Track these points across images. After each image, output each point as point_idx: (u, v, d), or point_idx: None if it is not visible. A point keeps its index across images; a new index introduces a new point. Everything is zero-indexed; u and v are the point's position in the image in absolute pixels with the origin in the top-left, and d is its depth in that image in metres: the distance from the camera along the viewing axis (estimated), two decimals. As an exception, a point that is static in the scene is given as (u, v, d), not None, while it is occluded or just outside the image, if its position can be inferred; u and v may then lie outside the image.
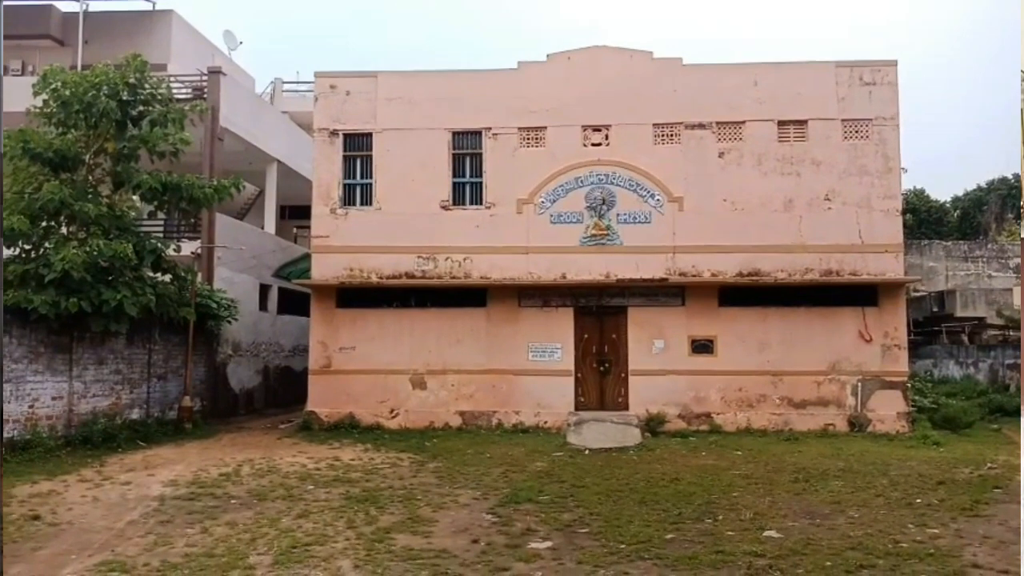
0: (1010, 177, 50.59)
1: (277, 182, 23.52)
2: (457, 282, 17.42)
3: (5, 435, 12.77)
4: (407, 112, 17.97)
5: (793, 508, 9.12)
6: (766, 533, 7.90)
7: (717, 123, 17.67)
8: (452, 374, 17.35)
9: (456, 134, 17.96)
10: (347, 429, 16.55)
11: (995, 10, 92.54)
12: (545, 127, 17.81)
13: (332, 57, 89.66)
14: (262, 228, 23.08)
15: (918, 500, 9.41)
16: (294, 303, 22.88)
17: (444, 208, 17.74)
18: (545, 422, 16.85)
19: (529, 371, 17.26)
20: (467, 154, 17.98)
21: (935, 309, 34.58)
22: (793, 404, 16.93)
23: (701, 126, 17.66)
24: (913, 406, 17.20)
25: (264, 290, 22.10)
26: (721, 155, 17.60)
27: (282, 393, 22.21)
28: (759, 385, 17.02)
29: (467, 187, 17.95)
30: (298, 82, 30.78)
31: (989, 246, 42.63)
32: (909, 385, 17.41)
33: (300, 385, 19.17)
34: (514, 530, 8.20)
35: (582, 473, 11.61)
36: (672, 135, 17.70)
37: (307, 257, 19.03)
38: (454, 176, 17.91)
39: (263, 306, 22.13)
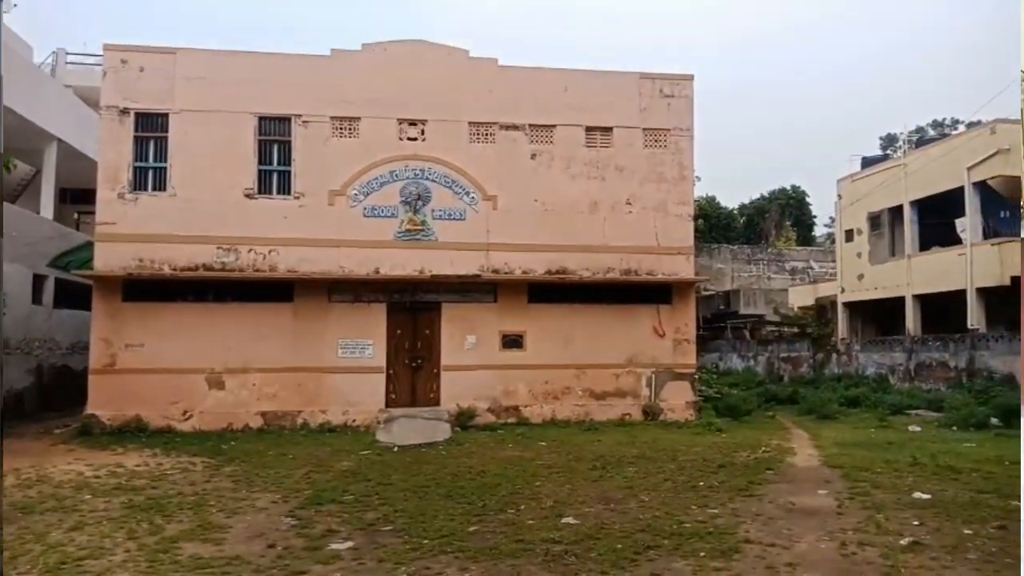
0: (788, 188, 56.12)
1: (57, 162, 21.20)
2: (261, 275, 16.59)
3: None
4: (209, 93, 16.86)
5: (590, 495, 9.50)
6: (564, 520, 8.16)
7: (530, 125, 18.12)
8: (254, 372, 16.50)
9: (263, 119, 17.10)
10: (133, 433, 15.24)
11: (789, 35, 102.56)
12: (359, 118, 17.41)
13: (150, 31, 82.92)
14: (37, 212, 20.73)
15: (701, 483, 10.14)
16: (74, 296, 20.71)
17: (248, 196, 16.83)
18: (354, 421, 16.48)
19: (338, 368, 16.80)
20: (275, 141, 17.18)
21: (722, 307, 37.72)
22: (594, 395, 17.75)
23: (515, 127, 18.03)
24: (700, 396, 18.64)
25: (39, 281, 19.82)
26: (533, 156, 18.08)
27: (59, 395, 20.05)
28: (564, 378, 17.69)
29: (274, 175, 17.15)
30: (85, 55, 27.98)
31: (769, 250, 47.19)
32: (697, 376, 18.85)
33: (80, 386, 17.40)
34: (314, 532, 7.90)
35: (389, 471, 11.44)
36: (487, 134, 17.94)
37: (90, 245, 17.30)
38: (260, 163, 17.04)
39: (37, 299, 19.85)
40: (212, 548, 7.30)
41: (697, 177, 37.12)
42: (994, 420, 16.18)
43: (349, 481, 10.64)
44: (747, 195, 64.27)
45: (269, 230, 16.72)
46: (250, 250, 16.67)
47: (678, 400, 18.05)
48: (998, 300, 23.23)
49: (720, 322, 38.13)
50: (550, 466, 11.64)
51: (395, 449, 13.73)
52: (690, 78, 18.90)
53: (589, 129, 18.34)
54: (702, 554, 6.75)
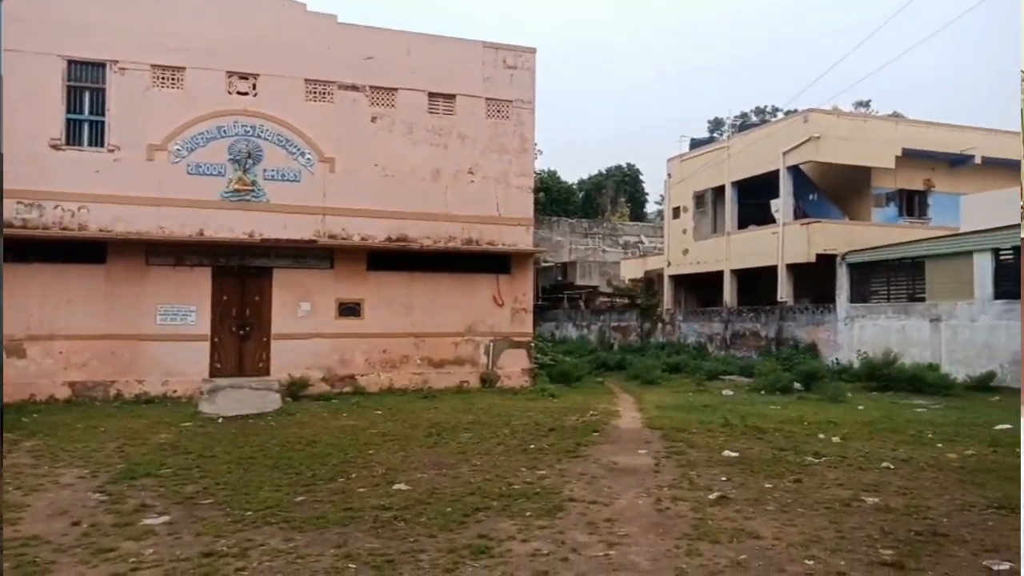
0: (624, 166, 58.45)
1: None
2: (69, 234, 15.15)
3: None
4: (10, 31, 15.01)
5: (424, 461, 9.49)
6: (396, 487, 8.09)
7: (371, 87, 17.62)
8: (61, 340, 15.12)
9: (73, 63, 15.52)
10: (-86, 407, 13.54)
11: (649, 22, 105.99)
12: (184, 68, 16.20)
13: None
14: None
15: (532, 446, 10.40)
16: None
17: (55, 148, 15.27)
18: (175, 391, 15.53)
19: (158, 336, 15.73)
20: (86, 88, 15.66)
21: (560, 278, 38.88)
22: (433, 364, 17.77)
23: (355, 88, 17.47)
24: (536, 363, 19.15)
25: None
26: (374, 119, 17.62)
27: None
28: (403, 347, 17.56)
29: (85, 125, 15.66)
30: None
31: (605, 225, 49.09)
32: (533, 345, 19.33)
33: None
34: (125, 508, 7.34)
35: (212, 442, 10.86)
36: (325, 93, 17.27)
37: None
38: (69, 111, 15.49)
39: None
40: (6, 529, 6.61)
41: (539, 150, 37.59)
42: (797, 385, 17.75)
43: (167, 454, 10.00)
44: (586, 171, 66.31)
45: (79, 185, 15.27)
46: (56, 206, 15.17)
47: (515, 367, 18.43)
48: (805, 275, 25.47)
49: (558, 292, 39.33)
50: (384, 434, 11.51)
51: (219, 420, 13.06)
52: (533, 51, 19.09)
53: (432, 95, 18.11)
54: (528, 514, 6.91)
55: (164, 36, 15.98)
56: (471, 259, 18.28)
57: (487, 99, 18.56)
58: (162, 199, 15.78)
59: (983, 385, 17.54)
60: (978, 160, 26.86)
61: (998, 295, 18.55)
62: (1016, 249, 18.46)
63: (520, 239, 18.72)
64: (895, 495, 7.48)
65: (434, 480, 8.43)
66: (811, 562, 5.50)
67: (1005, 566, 5.33)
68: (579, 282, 38.27)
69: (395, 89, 17.80)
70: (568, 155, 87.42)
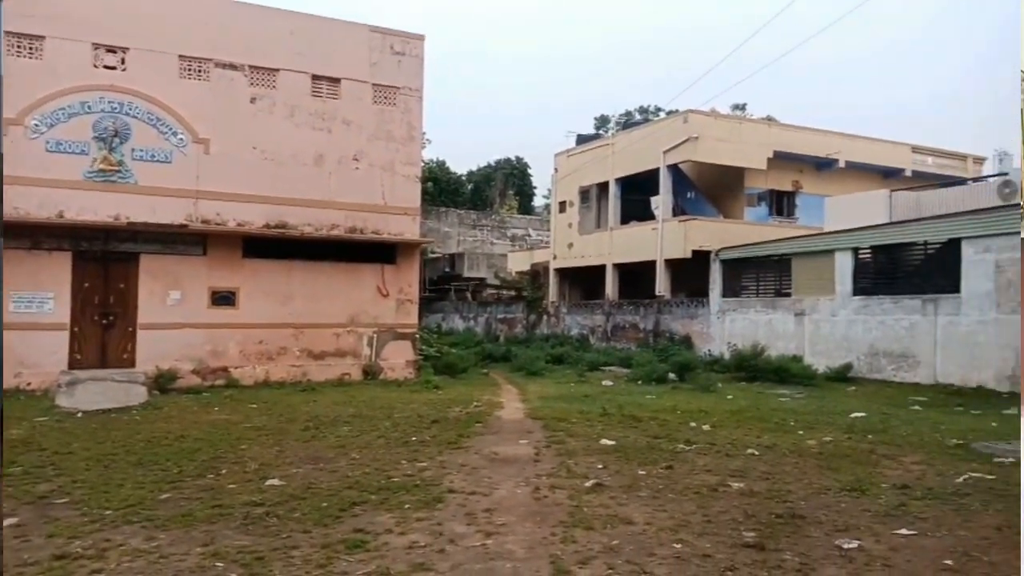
0: (513, 159, 58.82)
1: None
2: (-94, 212, 13.77)
3: None
4: None
5: (300, 455, 9.21)
6: (269, 482, 7.81)
7: (250, 67, 16.93)
8: None
9: (-90, 24, 14.07)
10: None
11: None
12: (43, 36, 15.03)
13: None
14: None
15: (414, 438, 10.30)
16: None
17: None
18: (29, 384, 14.44)
19: (10, 324, 14.54)
20: (-74, 52, 14.23)
21: (447, 269, 38.74)
22: (313, 356, 17.31)
23: (233, 67, 16.73)
24: (420, 355, 19.00)
25: None
26: (253, 100, 16.94)
27: None
28: (281, 338, 17.01)
29: (-76, 93, 14.23)
30: None
31: (493, 217, 49.31)
32: (418, 336, 19.16)
33: None
34: (-36, 511, 6.73)
35: (70, 438, 10.15)
36: (200, 71, 16.45)
37: None
38: (-95, 77, 14.04)
39: None
40: None
41: (428, 140, 37.14)
42: (672, 375, 18.41)
43: (18, 451, 9.26)
44: (476, 163, 66.36)
45: (-83, 158, 13.87)
46: None
47: (399, 359, 18.21)
48: (682, 270, 26.46)
49: (445, 284, 39.19)
50: (258, 429, 11.10)
51: (79, 415, 12.23)
52: (421, 38, 18.86)
53: (316, 78, 17.59)
54: (407, 506, 6.83)
55: (21, 2, 14.74)
56: (355, 248, 17.90)
57: (374, 85, 18.20)
58: (16, 177, 14.56)
59: (841, 376, 18.77)
60: (842, 164, 28.69)
61: (856, 291, 19.88)
62: (873, 248, 19.86)
63: (406, 228, 18.49)
64: (759, 480, 7.87)
65: (310, 475, 8.20)
66: (679, 545, 5.69)
67: (854, 544, 5.70)
68: (467, 274, 38.27)
69: (276, 70, 17.18)
70: (457, 146, 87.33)
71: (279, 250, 17.14)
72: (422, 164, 19.53)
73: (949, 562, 5.35)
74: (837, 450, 9.56)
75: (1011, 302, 16.22)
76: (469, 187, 57.03)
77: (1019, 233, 16.19)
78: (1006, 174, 21.60)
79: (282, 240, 17.03)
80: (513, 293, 35.38)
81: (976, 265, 17.02)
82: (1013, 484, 7.71)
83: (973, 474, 8.12)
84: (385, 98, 18.34)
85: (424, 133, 19.61)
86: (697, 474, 8.13)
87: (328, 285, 17.58)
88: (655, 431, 10.95)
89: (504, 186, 56.50)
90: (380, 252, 18.26)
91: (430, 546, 5.69)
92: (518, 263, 38.78)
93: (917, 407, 14.11)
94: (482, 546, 5.71)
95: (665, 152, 26.76)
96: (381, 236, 18.04)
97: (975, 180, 24.74)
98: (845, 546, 5.67)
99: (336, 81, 17.80)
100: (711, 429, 11.15)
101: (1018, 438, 10.49)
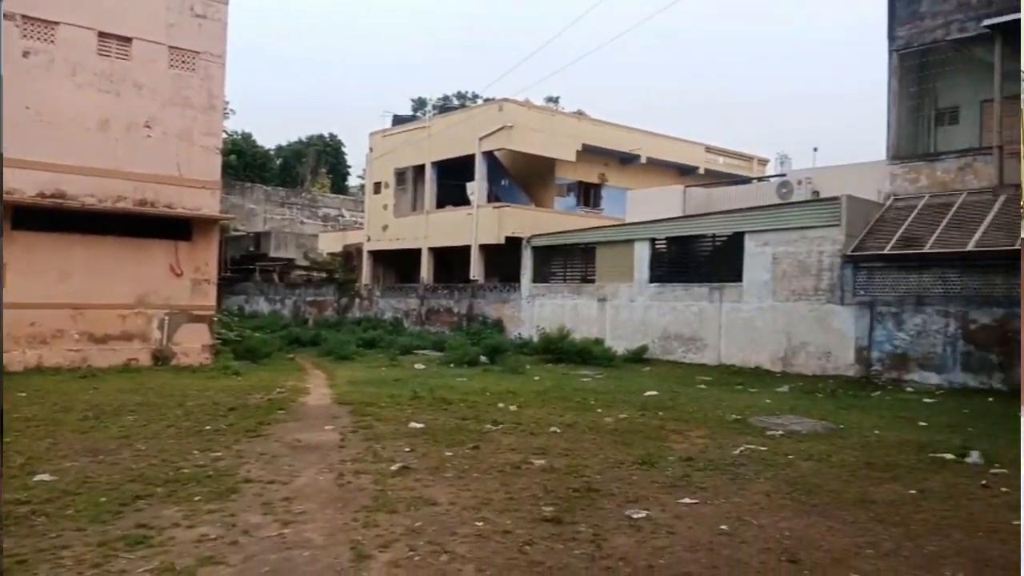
0: (326, 135, 56.98)
1: None
2: None
3: None
4: None
5: (76, 448, 8.35)
6: (37, 478, 7.01)
7: (23, 16, 15.06)
8: None
9: None
10: None
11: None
12: None
13: None
14: None
15: (208, 427, 9.66)
16: None
17: None
18: None
19: None
20: None
21: (252, 249, 36.89)
22: (95, 339, 15.80)
23: (3, 16, 14.76)
24: (219, 339, 17.91)
25: None
26: (27, 55, 15.10)
27: None
28: (57, 319, 15.36)
29: None
30: None
31: (304, 195, 47.54)
32: (216, 319, 18.05)
33: None
34: None
35: None
36: (-42, 15, 14.36)
37: None
38: None
39: None
40: None
41: (231, 110, 35.27)
42: (483, 358, 18.71)
43: None
44: (286, 137, 63.56)
45: None
46: None
47: (194, 343, 17.06)
48: (496, 256, 26.96)
49: (249, 264, 37.31)
50: (28, 419, 9.93)
51: None
52: (224, 1, 17.66)
53: (103, 35, 15.98)
54: (197, 498, 6.38)
55: None
56: (146, 223, 16.50)
57: (171, 47, 16.82)
58: None
59: (638, 357, 19.99)
60: (644, 160, 30.47)
61: (653, 279, 21.22)
62: (668, 239, 21.30)
63: (205, 203, 17.31)
64: (559, 456, 8.15)
65: (87, 468, 7.45)
66: (481, 523, 5.75)
67: (643, 514, 6.05)
68: (273, 253, 36.64)
69: (56, 23, 15.40)
70: (266, 119, 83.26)
71: (56, 222, 15.42)
72: (224, 135, 18.41)
73: (725, 527, 5.82)
74: (631, 427, 10.13)
75: (785, 291, 18.03)
76: (278, 162, 54.65)
77: (793, 228, 18.05)
78: (784, 175, 23.95)
79: (60, 212, 15.34)
80: (324, 275, 34.35)
81: (756, 257, 18.73)
82: (781, 454, 8.55)
83: (748, 446, 8.91)
84: (183, 62, 17.01)
85: (227, 102, 18.53)
86: (502, 453, 8.29)
87: (113, 262, 16.07)
88: (464, 413, 11.04)
89: (316, 163, 54.64)
90: (174, 228, 16.96)
91: (222, 538, 5.35)
92: (330, 244, 37.69)
93: (703, 386, 15.30)
94: (279, 535, 5.46)
95: (481, 139, 27.06)
96: (175, 210, 16.76)
97: (759, 180, 27.26)
98: (634, 516, 6.00)
99: (127, 40, 16.26)
100: (518, 409, 11.42)
101: (788, 412, 11.68)
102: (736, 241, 19.35)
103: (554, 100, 53.39)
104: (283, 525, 5.69)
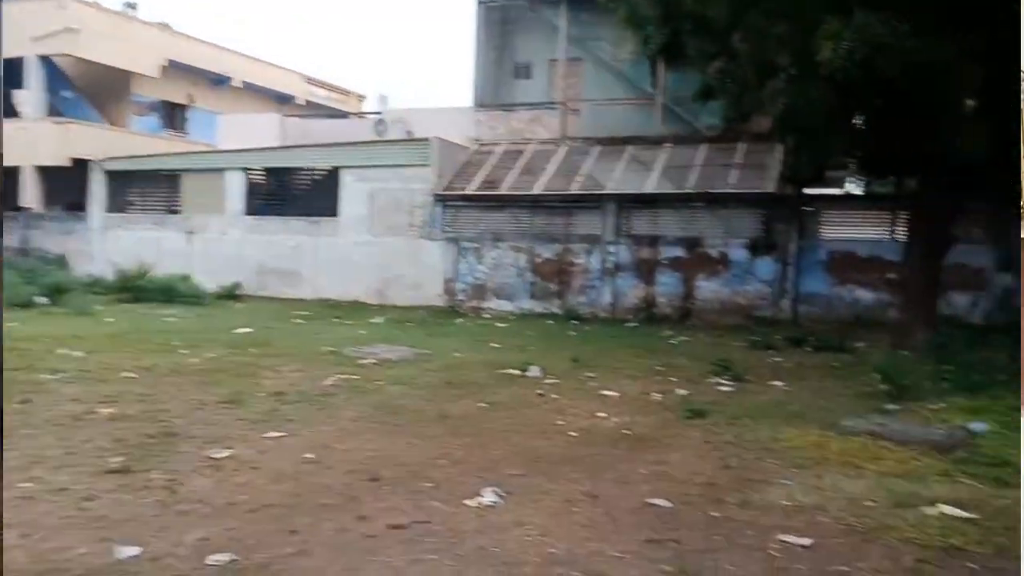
0: None
1: None
2: None
3: None
4: None
5: None
6: None
7: None
8: None
9: None
10: None
11: None
12: None
13: None
14: None
15: None
16: None
17: None
18: None
19: None
20: None
21: None
22: None
23: None
24: None
25: None
26: None
27: None
28: None
29: None
30: None
31: None
32: None
33: None
34: None
35: None
36: None
37: None
38: None
39: None
40: None
41: None
42: (42, 299, 16.06)
43: None
44: None
45: None
46: None
47: None
48: (58, 180, 23.20)
49: None
50: None
51: None
52: None
53: None
54: None
55: None
56: None
57: None
58: None
59: (231, 294, 19.00)
60: (238, 83, 28.57)
61: (248, 212, 20.22)
62: (266, 170, 20.45)
63: None
64: (133, 403, 7.33)
65: None
66: (31, 484, 4.92)
67: (225, 453, 5.72)
68: None
69: None
70: None
71: None
72: None
73: (311, 455, 5.79)
74: (219, 366, 9.57)
75: (381, 226, 18.59)
76: None
77: (389, 166, 18.59)
78: (380, 113, 24.46)
79: None
80: None
81: (354, 192, 18.94)
82: (371, 380, 8.83)
83: (341, 376, 9.03)
84: None
85: None
86: (61, 405, 7.18)
87: None
88: (13, 363, 9.34)
89: None
90: None
91: None
92: None
93: (300, 320, 15.15)
94: None
95: (36, 40, 22.74)
96: None
97: (358, 116, 27.40)
98: (216, 456, 5.66)
99: None
100: (84, 355, 10.02)
101: (381, 342, 12.12)
102: (334, 176, 19.32)
103: (132, 6, 47.15)
104: None
